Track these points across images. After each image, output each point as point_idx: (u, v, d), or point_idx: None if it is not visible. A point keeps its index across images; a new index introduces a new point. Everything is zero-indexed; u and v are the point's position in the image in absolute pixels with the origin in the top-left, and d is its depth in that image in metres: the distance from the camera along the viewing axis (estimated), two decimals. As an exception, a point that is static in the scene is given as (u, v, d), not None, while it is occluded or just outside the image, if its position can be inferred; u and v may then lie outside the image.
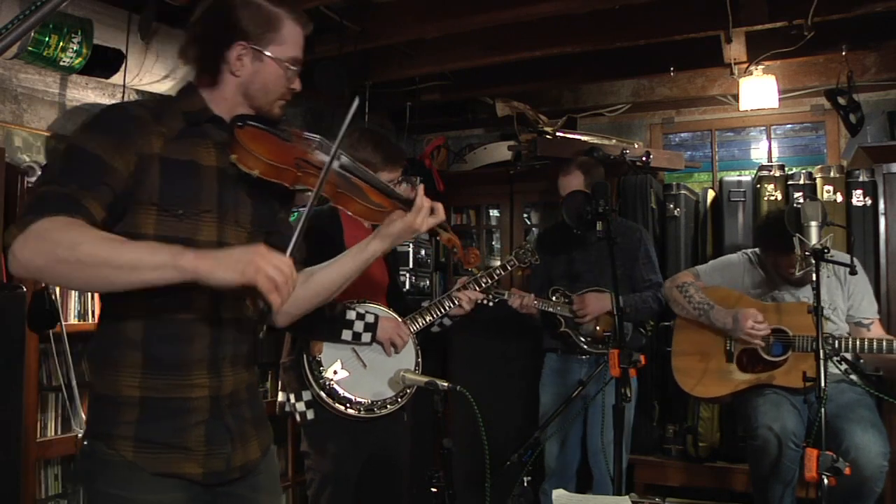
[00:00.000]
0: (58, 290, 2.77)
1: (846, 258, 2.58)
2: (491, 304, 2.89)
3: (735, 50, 3.72)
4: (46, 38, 2.68)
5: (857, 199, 3.58)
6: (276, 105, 1.56)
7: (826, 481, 2.01)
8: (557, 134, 4.31)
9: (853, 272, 2.48)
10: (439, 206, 1.71)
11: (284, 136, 1.56)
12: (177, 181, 1.42)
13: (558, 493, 2.19)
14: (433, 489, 2.00)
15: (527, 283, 3.62)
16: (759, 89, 3.91)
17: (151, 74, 3.21)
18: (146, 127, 1.41)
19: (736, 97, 4.15)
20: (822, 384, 2.17)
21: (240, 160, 1.44)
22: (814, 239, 2.37)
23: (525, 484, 2.77)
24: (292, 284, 1.28)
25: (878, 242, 3.46)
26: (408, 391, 2.44)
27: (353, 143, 2.38)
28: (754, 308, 2.85)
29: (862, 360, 2.92)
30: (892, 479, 2.88)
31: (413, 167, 4.36)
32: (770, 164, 4.06)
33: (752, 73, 3.89)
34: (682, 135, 4.90)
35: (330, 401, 2.36)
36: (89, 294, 3.03)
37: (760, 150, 4.68)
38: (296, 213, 1.75)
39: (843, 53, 3.66)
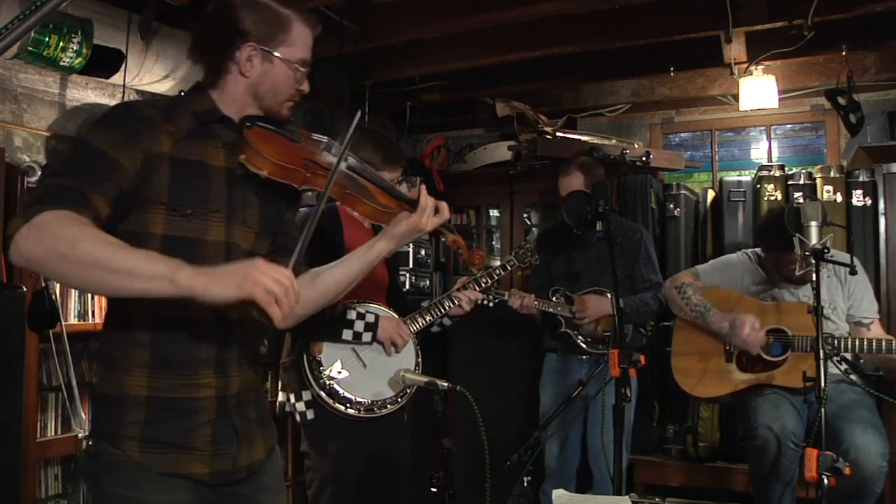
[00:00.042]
0: (58, 289, 2.77)
1: (846, 258, 2.58)
2: (491, 304, 2.89)
3: (735, 50, 3.72)
4: (46, 38, 2.68)
5: (857, 199, 3.58)
6: (285, 106, 1.57)
7: (826, 481, 2.01)
8: (557, 134, 4.31)
9: (853, 272, 2.48)
10: (444, 206, 1.70)
11: (293, 136, 1.56)
12: (186, 181, 1.42)
13: (558, 493, 2.19)
14: (433, 489, 2.01)
15: (527, 283, 3.62)
16: (759, 89, 3.91)
17: (151, 74, 3.21)
18: (155, 125, 1.41)
19: (736, 97, 4.14)
20: (822, 384, 2.17)
21: (248, 160, 1.45)
22: (814, 239, 2.37)
23: (525, 484, 2.77)
24: (294, 296, 1.27)
25: (878, 242, 3.46)
26: (408, 391, 2.44)
27: (353, 143, 2.38)
28: (752, 312, 2.85)
29: (862, 360, 2.92)
30: (891, 480, 2.88)
31: (413, 167, 4.36)
32: (770, 164, 4.06)
33: (752, 73, 3.89)
34: (682, 135, 4.90)
35: (330, 401, 2.36)
36: (89, 294, 3.03)
37: (760, 150, 4.68)
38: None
39: (843, 53, 3.66)
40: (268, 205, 1.57)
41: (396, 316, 2.52)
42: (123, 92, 3.27)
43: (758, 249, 3.09)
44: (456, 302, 2.65)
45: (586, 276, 3.22)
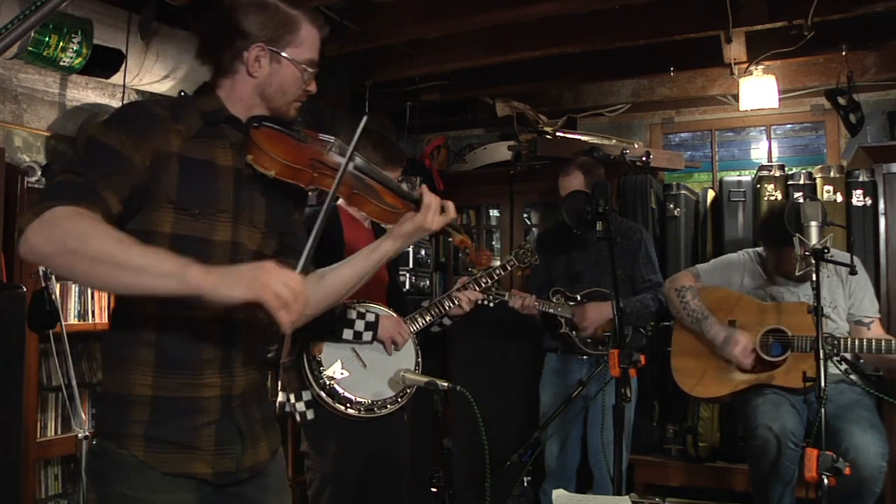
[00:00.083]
0: (58, 290, 2.77)
1: (846, 258, 2.58)
2: (491, 304, 2.89)
3: (735, 50, 3.72)
4: (46, 38, 2.68)
5: (857, 199, 3.58)
6: (293, 106, 1.57)
7: (826, 481, 2.01)
8: (557, 134, 4.31)
9: (853, 272, 2.48)
10: (450, 205, 1.69)
11: (300, 136, 1.56)
12: (194, 180, 1.42)
13: (558, 493, 2.19)
14: (433, 489, 2.00)
15: (527, 283, 3.62)
16: (759, 89, 3.91)
17: (151, 74, 3.21)
18: (165, 125, 1.41)
19: (736, 97, 4.15)
20: (823, 384, 2.17)
21: (256, 160, 1.45)
22: (814, 239, 2.37)
23: (525, 484, 2.76)
24: (303, 301, 1.27)
25: (878, 242, 3.47)
26: (408, 391, 2.44)
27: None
28: (752, 312, 2.85)
29: (862, 360, 2.92)
30: (891, 480, 2.88)
31: (413, 167, 4.37)
32: (770, 164, 4.07)
33: (752, 73, 3.89)
34: (682, 135, 4.90)
35: (330, 401, 2.36)
36: (89, 294, 3.03)
37: (760, 150, 4.68)
38: None
39: (843, 53, 3.66)
40: (275, 205, 1.57)
41: (397, 315, 2.52)
42: (123, 92, 3.27)
43: (759, 249, 3.09)
44: (456, 302, 2.65)
45: (586, 276, 3.22)
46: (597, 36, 3.62)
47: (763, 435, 2.67)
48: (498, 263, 2.89)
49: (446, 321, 2.71)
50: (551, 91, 4.80)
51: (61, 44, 2.73)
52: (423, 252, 4.31)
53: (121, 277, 1.24)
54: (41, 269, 2.61)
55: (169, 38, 3.18)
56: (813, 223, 2.38)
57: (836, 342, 2.68)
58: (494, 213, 4.76)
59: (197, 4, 2.99)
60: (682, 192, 3.96)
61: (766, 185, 3.81)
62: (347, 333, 2.38)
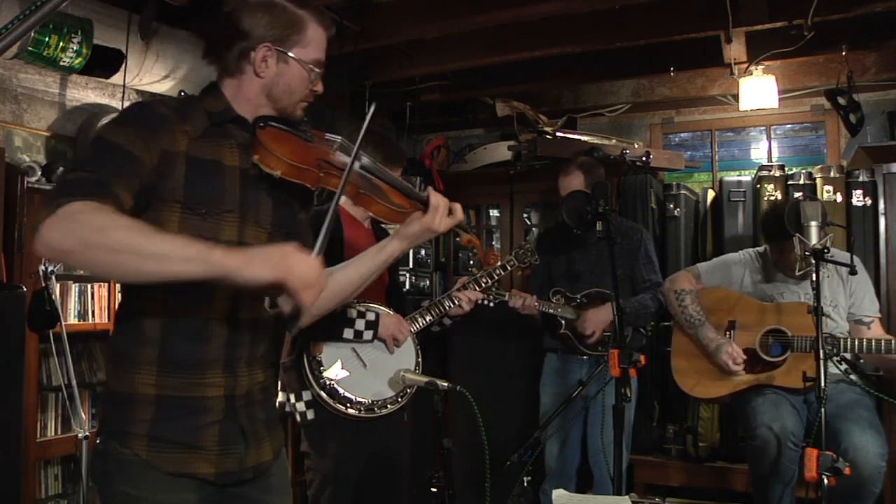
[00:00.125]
0: (57, 290, 2.77)
1: (846, 258, 2.58)
2: (491, 304, 2.89)
3: (735, 50, 3.72)
4: (46, 38, 2.68)
5: (857, 199, 3.58)
6: (299, 106, 1.57)
7: (826, 481, 2.01)
8: (557, 134, 4.31)
9: (853, 272, 2.48)
10: (458, 207, 1.70)
11: (306, 136, 1.56)
12: (201, 180, 1.42)
13: (558, 493, 2.19)
14: (433, 489, 2.00)
15: (527, 283, 3.62)
16: (759, 89, 3.91)
17: (151, 74, 3.21)
18: (172, 124, 1.42)
19: (736, 97, 4.15)
20: (822, 384, 2.17)
21: (262, 160, 1.45)
22: (814, 239, 2.37)
23: (525, 484, 2.77)
24: (322, 284, 1.30)
25: (878, 242, 3.47)
26: (408, 391, 2.44)
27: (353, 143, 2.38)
28: (752, 313, 2.85)
29: (862, 360, 2.92)
30: (891, 480, 2.88)
31: (413, 167, 4.37)
32: (770, 164, 4.07)
33: (752, 73, 3.89)
34: (682, 135, 4.90)
35: (330, 401, 2.36)
36: (89, 294, 3.04)
37: (760, 150, 4.68)
38: None
39: (843, 53, 3.66)
40: (281, 205, 1.57)
41: (397, 314, 2.52)
42: (123, 92, 3.27)
43: (760, 248, 3.09)
44: (456, 302, 2.65)
45: (586, 276, 3.22)
46: (597, 36, 3.62)
47: (763, 435, 2.67)
48: (498, 263, 2.89)
49: (446, 321, 2.71)
50: (551, 91, 4.80)
51: (61, 44, 2.73)
52: (423, 252, 4.31)
53: (145, 266, 1.23)
54: (41, 269, 2.61)
55: (169, 38, 3.18)
56: (813, 223, 2.39)
57: (835, 342, 2.68)
58: (494, 213, 4.76)
59: (197, 4, 2.99)
60: (682, 192, 3.96)
61: (766, 185, 3.81)
62: (348, 332, 2.38)
